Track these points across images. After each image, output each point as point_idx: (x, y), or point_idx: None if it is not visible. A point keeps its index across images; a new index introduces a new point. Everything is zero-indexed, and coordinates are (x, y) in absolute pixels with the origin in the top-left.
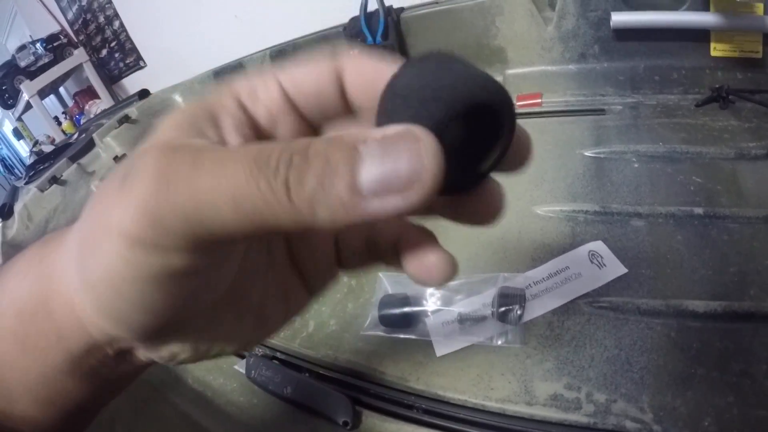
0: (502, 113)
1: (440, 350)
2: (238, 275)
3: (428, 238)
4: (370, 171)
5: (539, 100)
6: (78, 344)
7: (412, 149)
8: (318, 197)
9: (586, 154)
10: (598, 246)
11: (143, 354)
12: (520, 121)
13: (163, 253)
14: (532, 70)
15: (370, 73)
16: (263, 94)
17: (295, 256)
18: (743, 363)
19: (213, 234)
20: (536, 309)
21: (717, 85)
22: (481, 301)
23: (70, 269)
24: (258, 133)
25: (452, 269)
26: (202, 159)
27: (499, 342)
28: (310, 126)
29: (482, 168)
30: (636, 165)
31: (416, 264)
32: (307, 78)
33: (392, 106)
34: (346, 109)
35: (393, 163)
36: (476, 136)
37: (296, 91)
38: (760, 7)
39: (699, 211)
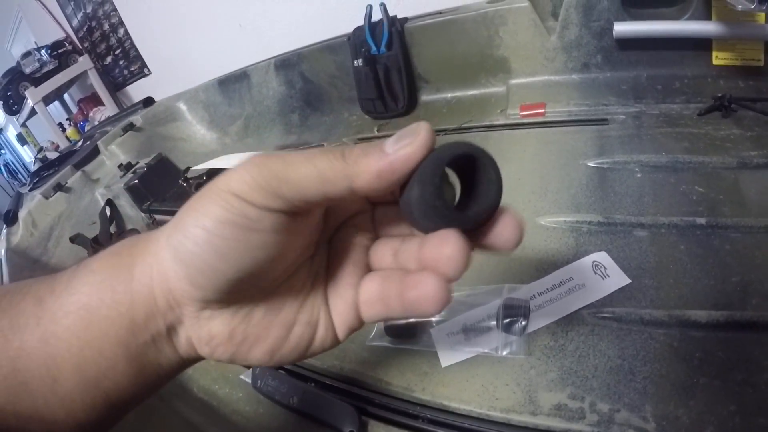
0: (486, 162)
1: (445, 361)
2: (286, 283)
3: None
4: (391, 141)
5: (542, 110)
6: (143, 310)
7: (413, 127)
8: (360, 158)
9: (590, 164)
10: (602, 257)
11: (185, 333)
12: (524, 132)
13: (257, 209)
14: (535, 80)
15: None
16: None
17: (328, 293)
18: (745, 372)
19: (294, 190)
20: (540, 320)
21: (719, 94)
22: (486, 312)
23: (158, 243)
24: None
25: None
26: (288, 152)
27: (504, 352)
28: None
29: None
30: (639, 175)
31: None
32: None
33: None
34: None
35: (404, 134)
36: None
37: None
38: (761, 16)
39: (701, 221)
